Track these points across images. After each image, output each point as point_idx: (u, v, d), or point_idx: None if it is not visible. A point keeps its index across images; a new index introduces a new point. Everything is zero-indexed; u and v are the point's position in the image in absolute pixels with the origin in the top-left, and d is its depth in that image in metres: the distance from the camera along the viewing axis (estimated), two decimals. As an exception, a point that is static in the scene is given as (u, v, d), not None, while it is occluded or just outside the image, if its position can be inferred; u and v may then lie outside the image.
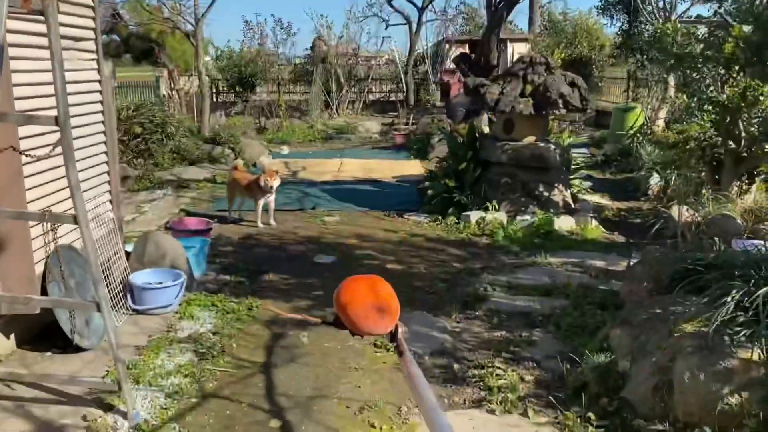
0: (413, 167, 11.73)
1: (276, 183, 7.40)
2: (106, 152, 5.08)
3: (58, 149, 2.97)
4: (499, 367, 3.90)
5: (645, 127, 10.87)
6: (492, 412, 3.46)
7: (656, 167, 8.83)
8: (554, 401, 3.51)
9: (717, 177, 7.11)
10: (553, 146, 7.49)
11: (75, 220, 3.02)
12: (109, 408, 3.45)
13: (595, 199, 8.82)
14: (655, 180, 8.76)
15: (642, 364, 3.45)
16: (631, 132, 11.25)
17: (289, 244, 6.91)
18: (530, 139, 7.68)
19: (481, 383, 3.76)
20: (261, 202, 7.51)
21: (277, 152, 13.65)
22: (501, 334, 4.48)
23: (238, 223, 7.79)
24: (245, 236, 7.20)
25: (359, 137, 16.94)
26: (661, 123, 11.45)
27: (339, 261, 6.26)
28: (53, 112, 3.02)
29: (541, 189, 7.56)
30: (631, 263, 5.36)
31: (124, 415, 3.36)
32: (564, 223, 7.24)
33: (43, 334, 4.19)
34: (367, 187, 10.03)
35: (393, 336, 1.42)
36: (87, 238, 3.05)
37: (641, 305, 4.00)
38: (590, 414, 3.31)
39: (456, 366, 3.99)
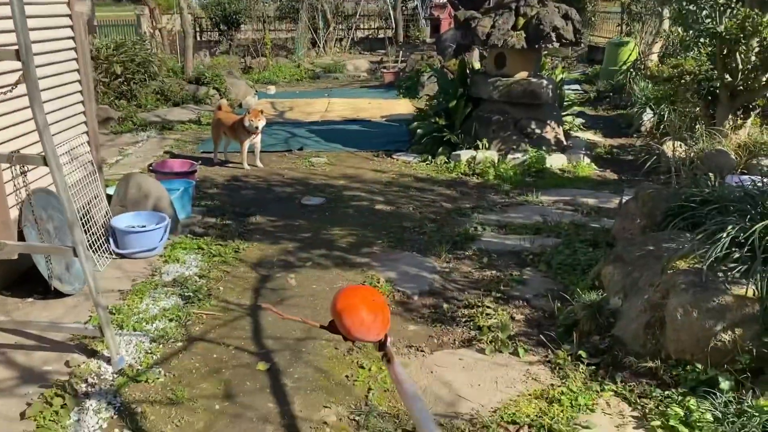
0: (403, 106, 11.50)
1: (261, 123, 7.20)
2: (80, 91, 4.87)
3: (22, 88, 2.79)
4: (489, 307, 3.86)
5: (638, 62, 10.65)
6: (482, 351, 3.42)
7: (649, 103, 8.66)
8: (545, 340, 3.47)
9: (711, 112, 6.97)
10: (545, 82, 7.30)
11: (44, 161, 2.87)
12: (92, 353, 3.39)
13: (588, 136, 8.68)
14: (648, 116, 8.61)
15: (634, 302, 3.40)
16: (625, 67, 11.03)
17: (276, 185, 6.77)
18: (522, 74, 7.47)
19: (471, 323, 3.72)
20: (246, 144, 7.33)
21: (263, 92, 13.33)
22: (491, 274, 4.42)
23: (224, 165, 7.62)
24: (231, 178, 7.05)
25: (347, 76, 16.57)
26: (655, 58, 11.19)
27: (327, 202, 6.15)
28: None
29: (533, 126, 7.41)
30: (624, 200, 5.29)
31: (108, 361, 3.30)
32: (556, 161, 7.12)
33: (23, 279, 4.09)
34: (356, 127, 9.83)
35: (382, 345, 1.49)
36: (58, 180, 2.91)
37: (634, 242, 3.93)
38: (581, 352, 3.28)
39: (445, 306, 3.94)
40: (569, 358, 3.26)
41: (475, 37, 7.34)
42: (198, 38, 18.97)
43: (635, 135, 8.75)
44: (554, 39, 7.14)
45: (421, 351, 3.46)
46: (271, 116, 10.63)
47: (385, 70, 15.04)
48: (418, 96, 12.45)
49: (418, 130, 7.91)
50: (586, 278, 4.04)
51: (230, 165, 7.61)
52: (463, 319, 3.78)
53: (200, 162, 7.48)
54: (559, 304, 3.79)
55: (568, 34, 7.17)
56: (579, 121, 9.02)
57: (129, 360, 3.35)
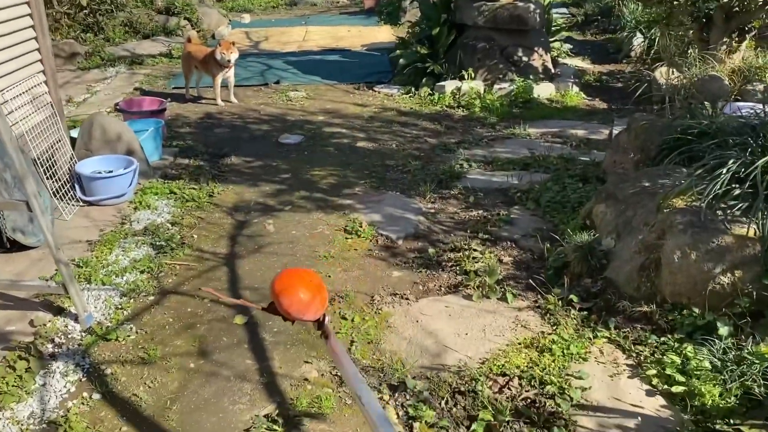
0: (384, 34, 11.02)
1: (234, 56, 6.81)
2: (33, 26, 4.48)
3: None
4: (476, 250, 3.69)
5: (629, -18, 10.17)
6: (469, 297, 3.28)
7: (640, 26, 8.31)
8: (534, 284, 3.33)
9: (705, 35, 6.67)
10: (533, 6, 6.92)
11: (-15, 108, 2.59)
12: (59, 311, 3.20)
13: (576, 62, 8.36)
14: (638, 40, 8.28)
15: (628, 242, 3.25)
16: (614, -12, 10.56)
17: (252, 123, 6.46)
18: (508, -2, 7.08)
19: (458, 267, 3.56)
20: (219, 78, 6.96)
21: (237, 21, 12.72)
22: (478, 214, 4.24)
23: (197, 101, 7.27)
24: (204, 116, 6.72)
25: (325, 2, 15.86)
26: (646, -23, 10.72)
27: (306, 141, 5.87)
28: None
29: (519, 54, 7.08)
30: (614, 132, 5.07)
31: (76, 318, 3.12)
32: (543, 91, 6.85)
33: (-17, 232, 3.85)
34: (335, 57, 9.41)
35: (320, 324, 1.54)
36: (1, 127, 2.63)
37: (627, 178, 3.75)
38: (572, 296, 3.14)
39: (431, 250, 3.77)
40: (560, 302, 3.12)
41: (459, -41, 6.90)
42: (167, -36, 17.96)
43: (624, 61, 8.44)
44: (542, -41, 6.72)
45: (406, 299, 3.31)
46: (246, 47, 10.15)
47: (364, -4, 14.36)
48: (399, 22, 11.94)
49: (401, 60, 7.55)
50: (576, 217, 3.87)
51: (203, 101, 7.26)
52: (450, 264, 3.62)
53: (170, 99, 7.13)
54: (548, 245, 3.64)
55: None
56: (567, 47, 8.67)
57: (98, 317, 3.18)
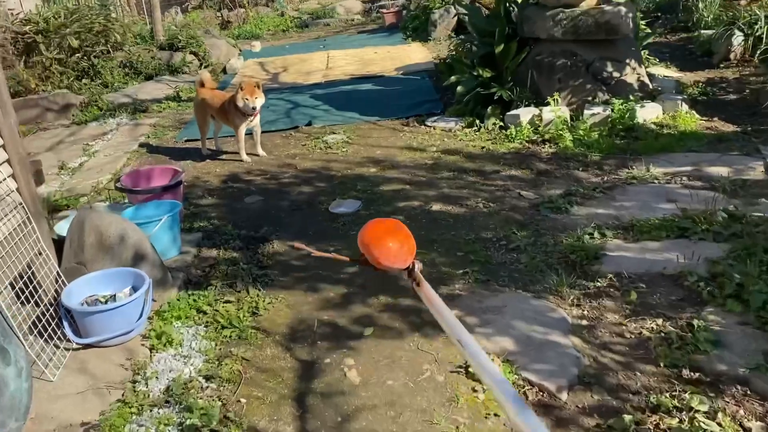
0: (417, 53, 9.69)
1: (260, 101, 5.50)
2: (-11, 98, 3.18)
3: None
4: (698, 410, 2.31)
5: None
6: None
7: (737, 22, 6.91)
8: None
9: None
10: (624, 9, 5.55)
11: None
12: None
13: (661, 71, 6.97)
14: (737, 39, 6.87)
15: None
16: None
17: (290, 184, 5.13)
18: (590, 2, 5.72)
19: (681, 448, 2.18)
20: (243, 129, 5.64)
21: (248, 50, 11.47)
22: (655, 325, 2.86)
23: (216, 157, 5.96)
24: (228, 177, 5.40)
25: (339, 21, 14.62)
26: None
27: (363, 206, 4.52)
28: None
29: (609, 69, 5.71)
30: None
31: None
32: (647, 113, 5.46)
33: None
34: (368, 85, 8.08)
35: (410, 271, 1.46)
36: None
37: None
38: None
39: (626, 418, 2.36)
40: None
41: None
42: (166, -6, 16.84)
43: (722, 65, 7.03)
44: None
45: None
46: (264, 81, 8.83)
47: (383, 10, 13.08)
48: (430, 38, 10.63)
49: (458, 88, 6.19)
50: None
51: (224, 157, 5.95)
52: (663, 440, 2.24)
53: (185, 158, 5.83)
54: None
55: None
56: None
57: None
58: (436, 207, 4.40)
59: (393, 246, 1.45)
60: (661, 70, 6.95)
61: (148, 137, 6.84)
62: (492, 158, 5.24)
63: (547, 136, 5.42)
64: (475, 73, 6.17)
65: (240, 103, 5.45)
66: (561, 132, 5.35)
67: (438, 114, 6.54)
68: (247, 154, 5.83)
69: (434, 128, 6.16)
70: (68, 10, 9.31)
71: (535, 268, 3.44)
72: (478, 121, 5.98)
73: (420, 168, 5.18)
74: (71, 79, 8.84)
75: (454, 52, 8.05)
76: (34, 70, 8.63)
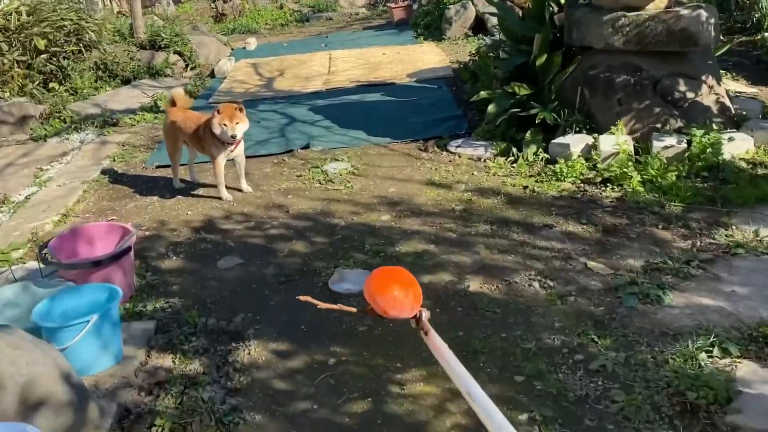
0: (430, 54, 8.50)
1: (242, 128, 4.34)
2: None
3: None
4: None
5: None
6: None
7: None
8: None
9: None
10: (705, 14, 4.37)
11: None
12: None
13: (730, 85, 5.79)
14: (826, 47, 5.69)
15: None
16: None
17: (278, 237, 3.98)
18: (658, 3, 4.54)
19: None
20: (221, 161, 4.49)
21: (241, 48, 10.28)
22: None
23: (191, 192, 4.81)
24: (202, 224, 4.25)
25: (342, 15, 13.41)
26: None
27: (376, 280, 3.37)
28: None
29: (682, 88, 4.54)
30: None
31: None
32: (735, 147, 4.29)
33: None
34: (376, 95, 6.91)
35: (418, 319, 1.45)
36: None
37: None
38: None
39: None
40: None
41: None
42: (155, -16, 15.63)
43: (805, 77, 5.86)
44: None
45: None
46: (256, 88, 7.69)
47: (391, 4, 11.84)
48: (444, 37, 9.43)
49: (490, 108, 5.02)
50: None
51: (201, 191, 4.81)
52: None
53: (152, 192, 4.69)
54: None
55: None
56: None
57: None
58: (474, 285, 3.25)
59: (399, 294, 1.44)
60: (729, 84, 5.77)
61: (114, 160, 5.69)
62: (539, 204, 4.08)
63: (606, 174, 4.26)
64: (510, 89, 4.99)
65: (217, 130, 4.29)
66: (626, 170, 4.18)
67: (462, 135, 5.38)
68: (229, 188, 4.69)
69: (458, 156, 5.01)
70: (31, 6, 8.09)
71: (636, 414, 2.29)
72: (514, 149, 4.82)
73: (447, 216, 4.03)
74: (36, 83, 7.68)
75: (476, 57, 6.88)
76: (-10, 74, 7.48)
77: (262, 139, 5.77)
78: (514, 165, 4.71)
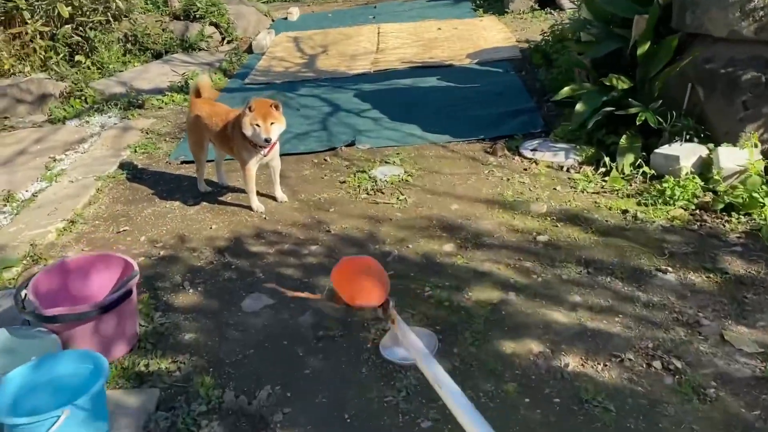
0: (492, 31, 7.56)
1: (277, 129, 3.57)
2: None
3: None
4: None
5: None
6: None
7: None
8: None
9: None
10: None
11: None
12: None
13: None
14: None
15: None
16: None
17: (317, 269, 3.23)
18: (804, -20, 3.58)
19: None
20: (252, 166, 3.75)
21: (282, 19, 9.48)
22: None
23: (217, 197, 4.11)
24: (228, 243, 3.54)
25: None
26: None
27: (443, 347, 2.59)
28: None
29: (828, 90, 3.59)
30: None
31: None
32: None
33: None
34: (432, 80, 6.05)
35: (385, 309, 1.46)
36: None
37: None
38: None
39: None
40: None
41: None
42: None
43: None
44: None
45: None
46: (297, 67, 6.92)
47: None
48: (506, 10, 8.46)
49: (578, 107, 4.14)
50: None
51: (229, 198, 4.10)
52: None
53: (174, 196, 3.99)
54: None
55: None
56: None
57: None
58: (573, 361, 2.45)
59: (367, 283, 1.45)
60: None
61: (135, 151, 5.02)
62: (645, 238, 3.23)
63: (729, 200, 3.38)
64: (607, 82, 4.10)
65: (248, 131, 3.54)
66: (756, 195, 3.30)
67: (538, 135, 4.54)
68: (261, 195, 3.97)
69: (535, 163, 4.17)
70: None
71: None
72: (605, 156, 3.95)
73: (526, 250, 3.22)
74: (63, 54, 7.05)
75: (549, 37, 5.96)
76: (10, 45, 6.86)
77: (301, 131, 5.02)
78: (606, 178, 3.85)
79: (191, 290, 3.14)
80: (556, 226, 3.41)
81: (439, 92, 5.69)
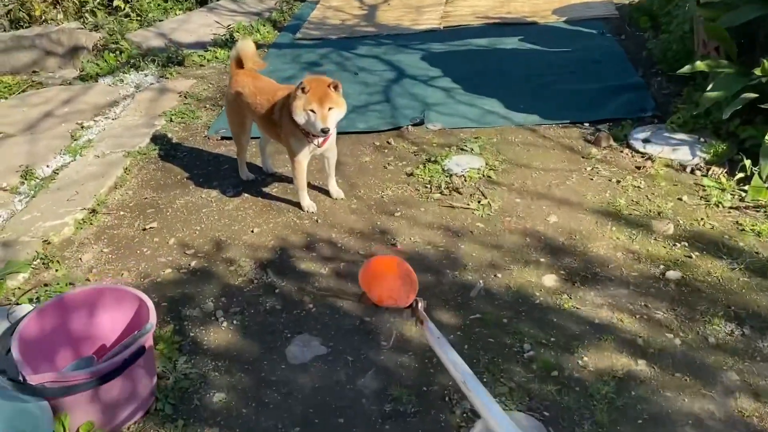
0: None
1: (335, 116, 2.85)
2: None
3: None
4: None
5: None
6: None
7: None
8: None
9: None
10: None
11: None
12: None
13: None
14: None
15: None
16: None
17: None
18: None
19: None
20: (303, 159, 3.06)
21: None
22: None
23: (261, 188, 3.45)
24: (270, 258, 2.89)
25: None
26: None
27: (552, 443, 1.94)
28: None
29: None
30: None
31: None
32: None
33: None
34: (513, 41, 5.16)
35: (413, 309, 1.45)
36: None
37: None
38: None
39: None
40: None
41: None
42: None
43: None
44: None
45: None
46: (355, 21, 6.09)
47: None
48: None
49: (708, 92, 3.26)
50: None
51: (275, 190, 3.44)
52: None
53: (210, 182, 3.35)
54: None
55: None
56: None
57: None
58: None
59: (395, 284, 1.42)
60: None
61: (171, 120, 4.38)
62: (814, 285, 2.44)
63: None
64: (745, 64, 3.22)
65: (300, 118, 2.83)
66: None
67: (649, 120, 3.69)
68: (312, 188, 3.30)
69: (651, 159, 3.35)
70: None
71: None
72: (747, 161, 3.11)
73: (653, 292, 2.47)
74: (95, 3, 6.41)
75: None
76: (42, -10, 6.25)
77: (360, 103, 4.28)
78: (745, 187, 3.03)
79: (225, 323, 2.52)
80: (690, 257, 2.64)
81: (521, 57, 4.82)
